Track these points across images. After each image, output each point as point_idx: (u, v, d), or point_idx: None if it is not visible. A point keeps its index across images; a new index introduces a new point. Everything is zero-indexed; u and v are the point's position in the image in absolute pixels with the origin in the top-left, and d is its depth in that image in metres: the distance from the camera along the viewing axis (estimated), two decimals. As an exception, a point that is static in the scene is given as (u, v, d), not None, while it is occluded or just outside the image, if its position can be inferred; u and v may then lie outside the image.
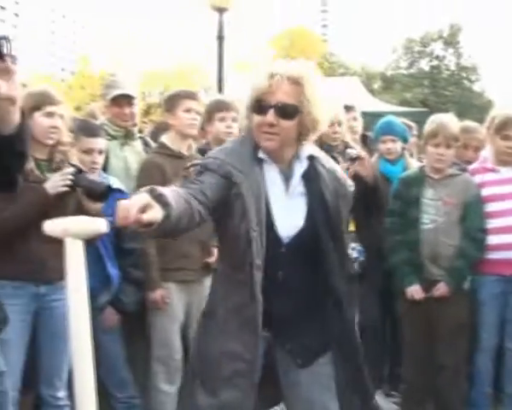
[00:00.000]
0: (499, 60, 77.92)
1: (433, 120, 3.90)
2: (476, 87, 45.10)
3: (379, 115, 5.51)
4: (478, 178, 3.93)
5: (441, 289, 3.76)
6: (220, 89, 10.68)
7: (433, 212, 3.80)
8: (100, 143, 3.56)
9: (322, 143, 4.38)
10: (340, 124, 4.42)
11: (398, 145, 4.42)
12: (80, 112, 7.83)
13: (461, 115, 4.78)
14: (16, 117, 1.88)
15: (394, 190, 4.03)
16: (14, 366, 2.95)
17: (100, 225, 1.69)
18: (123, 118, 4.07)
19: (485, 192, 3.88)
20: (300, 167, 2.42)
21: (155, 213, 1.87)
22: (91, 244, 2.81)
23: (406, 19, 77.67)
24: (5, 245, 2.97)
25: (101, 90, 4.52)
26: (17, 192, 2.18)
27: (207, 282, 3.18)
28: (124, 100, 4.06)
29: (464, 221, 3.81)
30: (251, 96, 2.36)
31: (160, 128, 4.56)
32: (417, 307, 3.80)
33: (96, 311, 2.50)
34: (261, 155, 2.36)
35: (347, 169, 3.99)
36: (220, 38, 10.61)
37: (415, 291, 3.81)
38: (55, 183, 3.06)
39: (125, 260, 3.58)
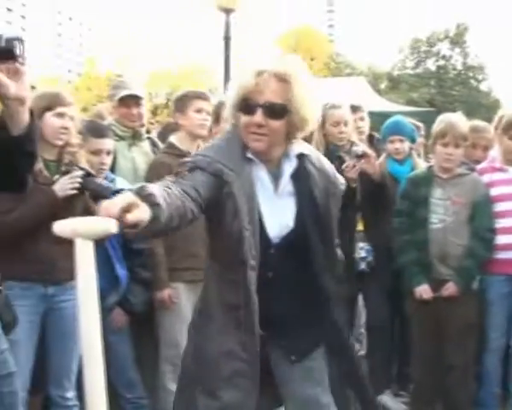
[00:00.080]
0: (506, 59, 77.72)
1: (442, 120, 3.88)
2: (483, 86, 44.91)
3: (386, 115, 5.50)
4: (486, 178, 3.92)
5: (450, 288, 3.75)
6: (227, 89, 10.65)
7: (442, 211, 3.79)
8: (108, 143, 3.57)
9: (329, 143, 4.39)
10: (346, 124, 4.41)
11: (406, 145, 4.40)
12: (87, 113, 7.85)
13: (469, 115, 4.76)
14: (26, 117, 1.89)
15: (402, 190, 4.01)
16: (23, 367, 2.96)
17: (110, 226, 1.68)
18: (130, 118, 4.08)
19: (493, 192, 3.87)
20: (289, 167, 2.36)
21: (141, 214, 1.79)
22: (100, 245, 2.81)
23: (412, 19, 77.59)
24: (14, 246, 2.98)
25: (108, 91, 4.53)
26: (26, 193, 2.19)
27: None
28: (131, 100, 4.07)
29: (473, 221, 3.79)
30: (237, 95, 2.27)
31: (168, 129, 4.57)
32: (426, 306, 3.79)
33: (104, 312, 2.49)
34: (249, 155, 2.30)
35: (354, 166, 3.98)
36: (227, 38, 10.59)
37: (423, 291, 3.80)
38: (64, 185, 3.08)
39: (133, 261, 3.59)
